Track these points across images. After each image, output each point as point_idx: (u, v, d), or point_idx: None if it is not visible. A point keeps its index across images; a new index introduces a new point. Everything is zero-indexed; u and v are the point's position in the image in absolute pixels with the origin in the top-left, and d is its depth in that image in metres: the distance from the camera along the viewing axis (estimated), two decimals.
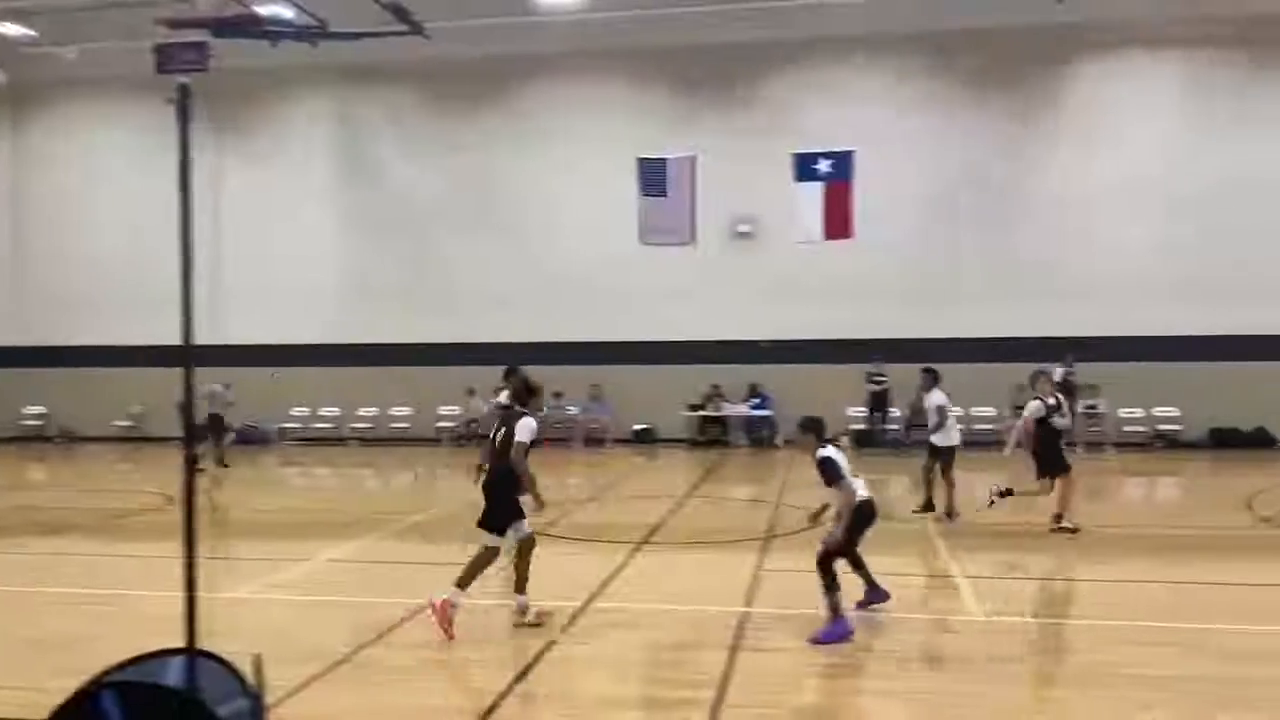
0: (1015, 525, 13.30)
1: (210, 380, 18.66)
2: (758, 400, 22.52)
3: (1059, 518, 11.75)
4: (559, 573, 10.04)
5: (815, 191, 20.16)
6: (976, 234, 21.89)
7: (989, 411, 21.50)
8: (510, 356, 22.50)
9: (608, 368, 22.53)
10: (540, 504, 7.92)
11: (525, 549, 7.90)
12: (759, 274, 22.45)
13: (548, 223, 23.38)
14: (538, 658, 7.07)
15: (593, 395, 22.81)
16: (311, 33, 19.87)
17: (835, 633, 7.47)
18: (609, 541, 11.32)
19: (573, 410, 22.94)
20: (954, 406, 12.89)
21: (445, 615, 7.46)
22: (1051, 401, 11.77)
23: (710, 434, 22.77)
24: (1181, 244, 21.04)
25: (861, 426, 21.71)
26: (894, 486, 17.16)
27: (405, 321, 23.79)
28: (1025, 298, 21.54)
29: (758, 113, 22.69)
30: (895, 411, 21.51)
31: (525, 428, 7.76)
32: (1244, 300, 20.53)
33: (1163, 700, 6.16)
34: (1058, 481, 11.76)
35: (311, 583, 9.85)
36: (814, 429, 8.02)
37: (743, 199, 22.36)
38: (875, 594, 8.19)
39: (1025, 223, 21.80)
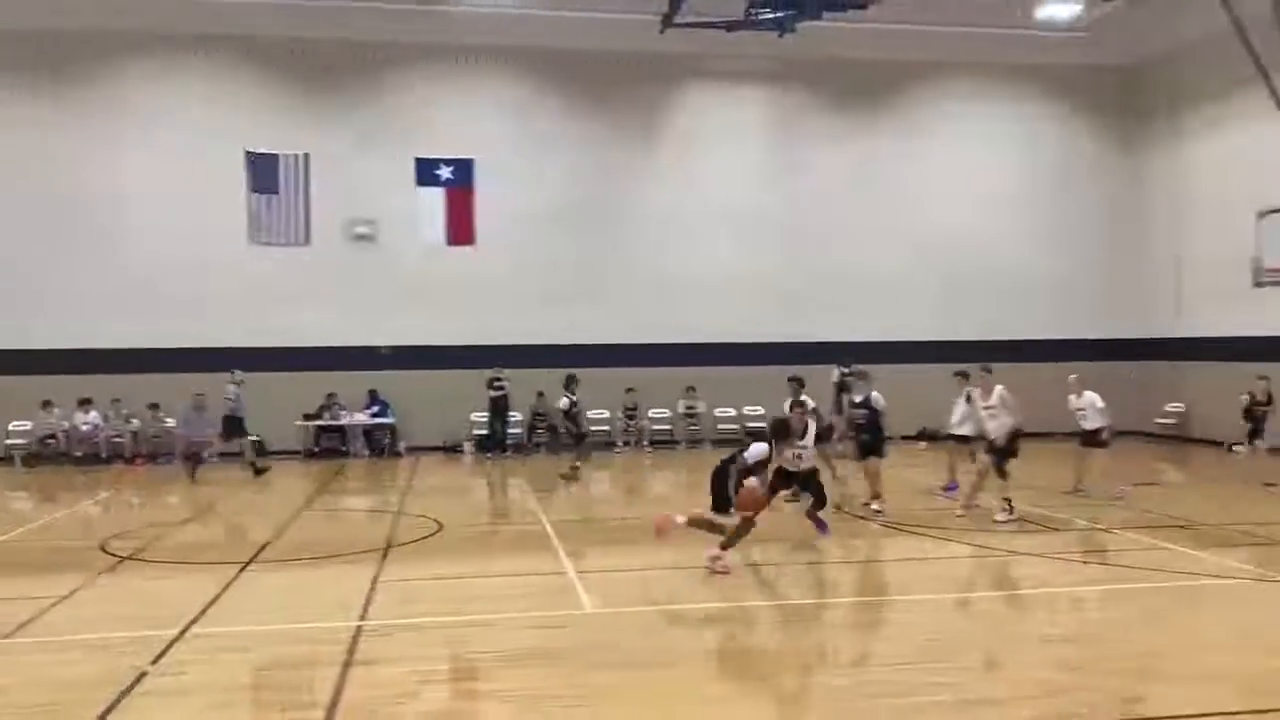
0: (627, 520, 14.06)
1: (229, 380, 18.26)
2: (377, 408, 22.06)
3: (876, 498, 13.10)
4: (153, 599, 9.27)
5: (437, 197, 20.15)
6: (594, 244, 22.83)
7: (604, 414, 22.51)
8: (104, 363, 20.72)
9: (212, 375, 20.99)
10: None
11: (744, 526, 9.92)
12: (380, 278, 22.01)
13: (143, 218, 21.38)
14: (125, 693, 6.47)
15: (195, 406, 21.10)
16: None
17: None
18: (212, 563, 10.60)
19: (171, 423, 21.17)
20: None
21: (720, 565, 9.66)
22: (857, 398, 13.26)
23: (327, 444, 21.99)
24: (765, 257, 23.24)
25: (484, 432, 21.92)
26: (514, 490, 17.53)
27: None
28: (640, 305, 22.73)
29: (379, 114, 22.24)
30: (516, 416, 21.94)
31: (755, 451, 10.12)
32: (817, 309, 23.04)
33: (746, 674, 6.78)
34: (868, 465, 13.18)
35: None
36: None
37: (363, 201, 21.83)
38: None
39: (639, 234, 23.06)
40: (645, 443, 22.34)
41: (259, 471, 18.10)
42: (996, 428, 12.87)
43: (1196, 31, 20.55)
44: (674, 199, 23.18)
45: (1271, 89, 17.47)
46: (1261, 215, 17.27)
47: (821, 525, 11.69)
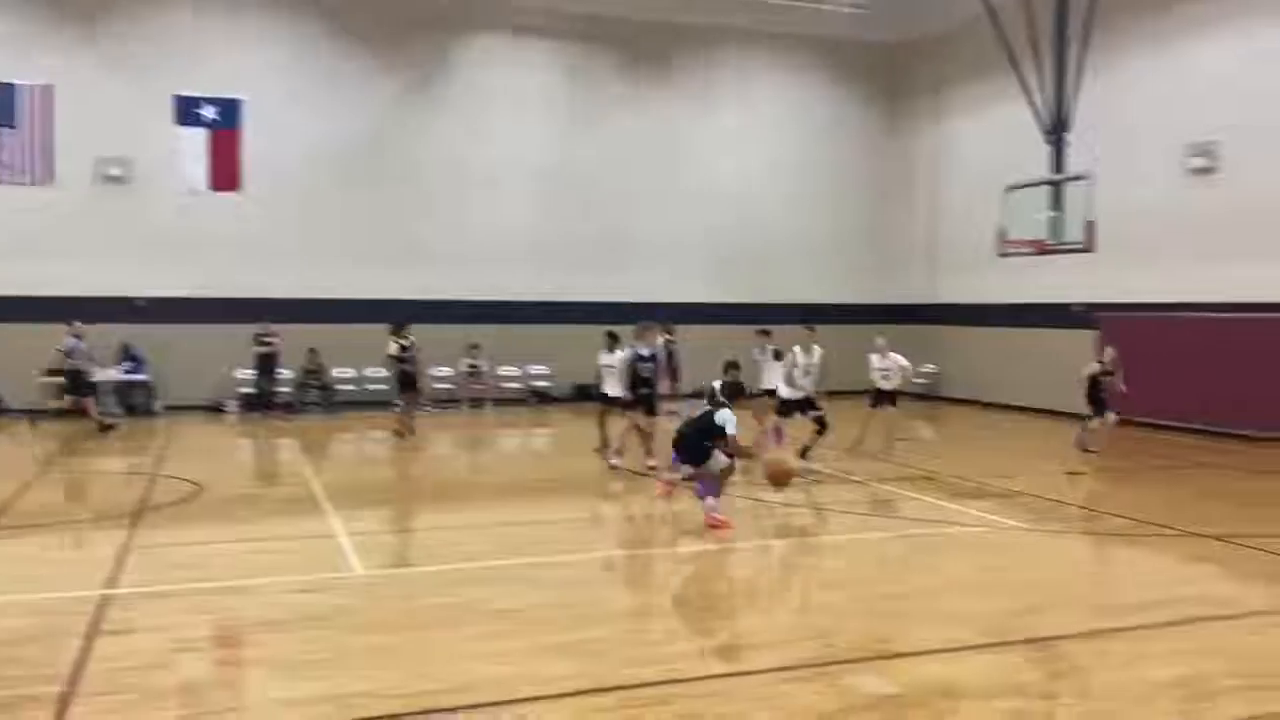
0: (401, 480, 13.79)
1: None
2: (131, 364, 20.54)
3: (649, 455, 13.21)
4: None
5: (199, 139, 18.88)
6: (373, 196, 21.99)
7: (381, 372, 21.81)
8: None
9: None
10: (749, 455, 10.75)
11: (725, 473, 10.22)
12: (135, 224, 20.40)
13: None
14: None
15: None
16: None
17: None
18: None
19: None
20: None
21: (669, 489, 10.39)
22: (647, 352, 13.22)
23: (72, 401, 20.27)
24: (553, 216, 23.15)
25: (251, 390, 20.82)
26: (282, 451, 16.79)
27: None
28: (418, 261, 22.15)
29: (135, 46, 20.50)
30: (285, 373, 20.95)
31: (729, 420, 9.98)
32: (603, 268, 23.20)
33: (519, 631, 6.76)
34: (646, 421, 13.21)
35: None
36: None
37: (116, 139, 20.15)
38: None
39: (422, 188, 22.36)
40: (426, 401, 21.86)
41: (105, 428, 17.24)
42: (811, 385, 13.45)
43: (963, 13, 21.80)
44: (459, 154, 22.63)
45: (1018, 71, 18.80)
46: (1007, 190, 18.61)
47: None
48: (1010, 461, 14.91)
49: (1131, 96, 19.18)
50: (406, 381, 17.12)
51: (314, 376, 21.37)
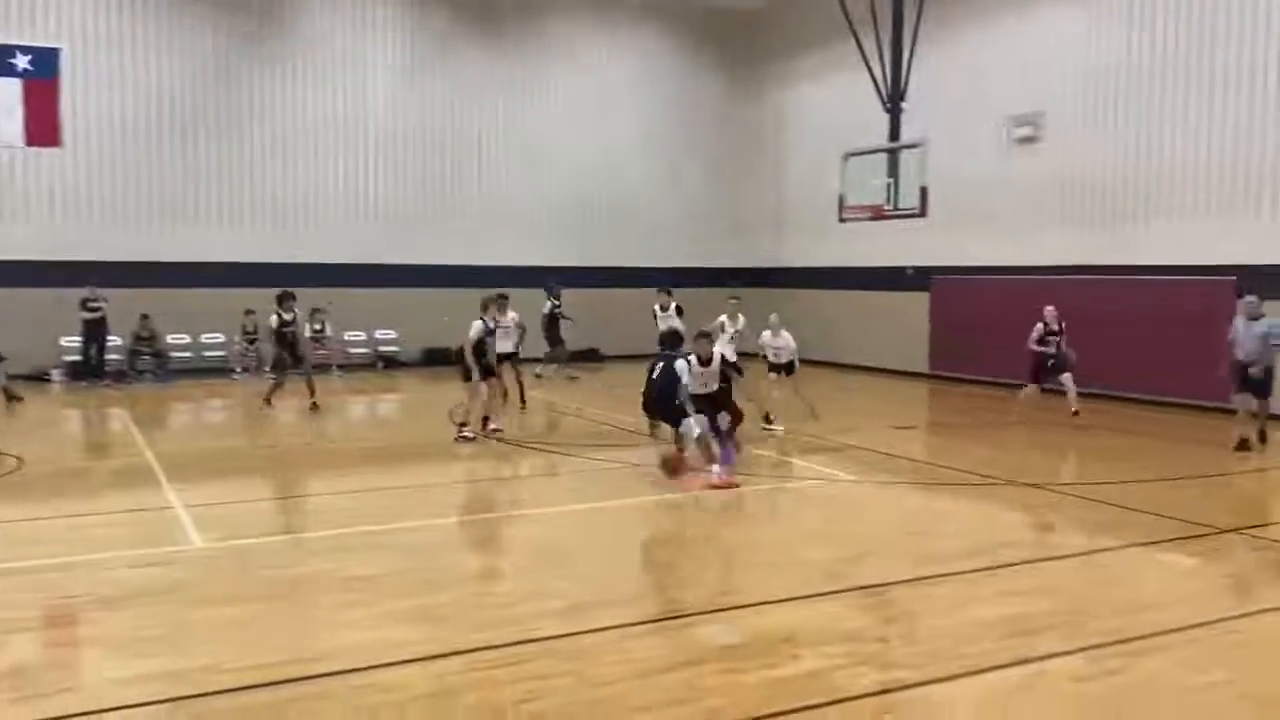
0: (238, 449, 13.39)
1: None
2: None
3: (486, 421, 13.40)
4: None
5: (13, 89, 17.64)
6: (207, 154, 20.99)
7: (219, 338, 21.07)
8: None
9: None
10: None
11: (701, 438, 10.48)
12: None
13: None
14: None
15: None
16: None
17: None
18: None
19: None
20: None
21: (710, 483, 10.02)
22: (492, 325, 13.28)
23: None
24: (394, 180, 22.63)
25: (78, 358, 19.69)
26: (113, 422, 15.99)
27: None
28: (259, 222, 21.36)
29: None
30: (115, 340, 19.88)
31: (684, 370, 10.44)
32: (449, 231, 22.84)
33: (366, 599, 6.69)
34: (483, 387, 13.18)
35: None
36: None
37: None
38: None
39: (258, 146, 21.44)
40: (265, 367, 21.15)
41: (12, 399, 16.21)
42: (732, 352, 13.65)
43: None
44: (298, 111, 21.82)
45: (858, 40, 19.35)
46: (845, 158, 19.18)
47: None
48: (849, 420, 15.47)
49: (962, 68, 19.99)
50: (288, 354, 16.33)
51: (146, 343, 20.38)
